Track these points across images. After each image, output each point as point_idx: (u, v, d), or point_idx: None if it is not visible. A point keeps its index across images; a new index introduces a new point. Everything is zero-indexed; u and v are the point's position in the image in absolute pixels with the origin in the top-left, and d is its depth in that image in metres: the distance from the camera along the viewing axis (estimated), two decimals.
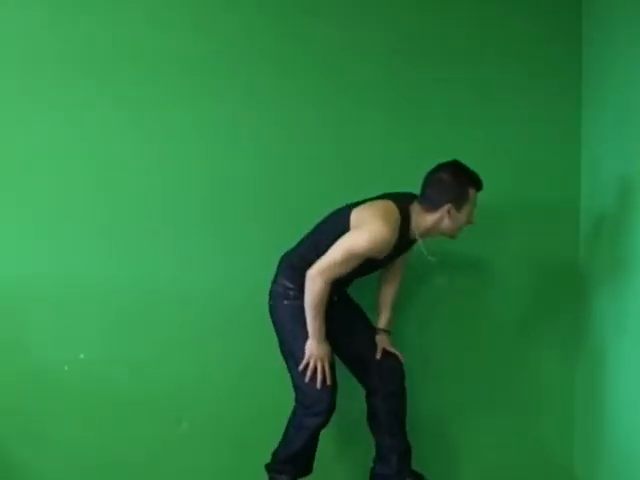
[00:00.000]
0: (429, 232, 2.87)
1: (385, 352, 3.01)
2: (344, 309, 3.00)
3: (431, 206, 2.83)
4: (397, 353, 3.04)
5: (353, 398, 3.03)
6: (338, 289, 2.89)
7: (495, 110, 3.30)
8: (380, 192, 2.89)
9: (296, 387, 2.90)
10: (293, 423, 2.94)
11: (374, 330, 3.06)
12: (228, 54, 3.10)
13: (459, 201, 2.81)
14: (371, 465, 3.05)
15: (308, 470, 2.99)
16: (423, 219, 2.84)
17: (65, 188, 3.02)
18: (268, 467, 2.98)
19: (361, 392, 3.03)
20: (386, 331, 3.08)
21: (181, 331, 3.12)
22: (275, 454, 2.97)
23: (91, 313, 3.05)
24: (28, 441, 3.03)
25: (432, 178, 2.84)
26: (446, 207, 2.81)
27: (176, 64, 3.06)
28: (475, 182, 2.84)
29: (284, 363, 2.91)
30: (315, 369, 2.82)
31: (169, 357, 3.11)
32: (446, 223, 2.84)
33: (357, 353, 3.02)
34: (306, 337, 2.83)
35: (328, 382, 2.82)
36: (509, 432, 3.37)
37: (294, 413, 2.93)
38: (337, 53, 3.19)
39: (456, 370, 3.32)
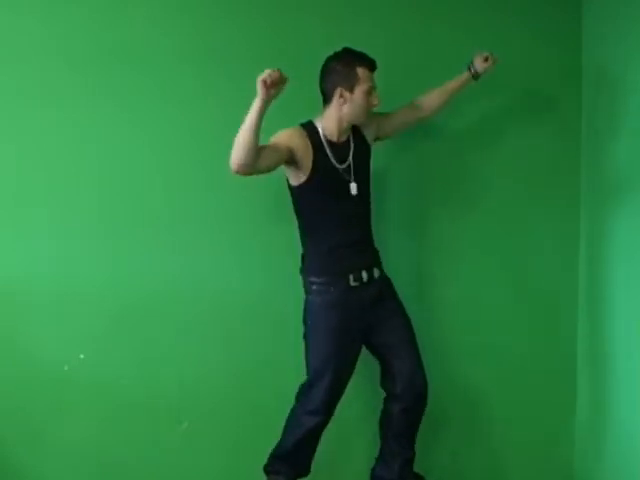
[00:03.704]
0: (340, 125, 2.80)
1: (409, 360, 2.89)
2: (385, 305, 2.89)
3: (328, 98, 2.79)
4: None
5: (353, 397, 3.03)
6: (351, 255, 2.81)
7: (495, 111, 3.30)
8: None
9: (305, 381, 2.88)
10: (290, 419, 2.93)
11: (406, 334, 2.93)
12: (226, 54, 3.08)
13: (348, 82, 2.73)
14: (372, 464, 3.05)
15: (305, 471, 2.97)
16: (328, 116, 2.81)
17: (65, 188, 3.00)
18: (265, 468, 2.97)
19: (361, 391, 3.04)
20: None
21: (181, 331, 3.11)
22: (271, 452, 2.96)
23: (91, 313, 3.04)
24: (28, 441, 3.02)
25: (322, 72, 2.79)
26: (338, 92, 2.76)
27: (176, 64, 3.04)
28: (363, 60, 2.75)
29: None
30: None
31: (169, 357, 3.10)
32: (346, 109, 2.77)
33: (383, 354, 2.93)
34: (321, 349, 2.79)
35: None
36: (509, 432, 3.38)
37: (293, 409, 2.92)
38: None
39: (456, 372, 3.34)
